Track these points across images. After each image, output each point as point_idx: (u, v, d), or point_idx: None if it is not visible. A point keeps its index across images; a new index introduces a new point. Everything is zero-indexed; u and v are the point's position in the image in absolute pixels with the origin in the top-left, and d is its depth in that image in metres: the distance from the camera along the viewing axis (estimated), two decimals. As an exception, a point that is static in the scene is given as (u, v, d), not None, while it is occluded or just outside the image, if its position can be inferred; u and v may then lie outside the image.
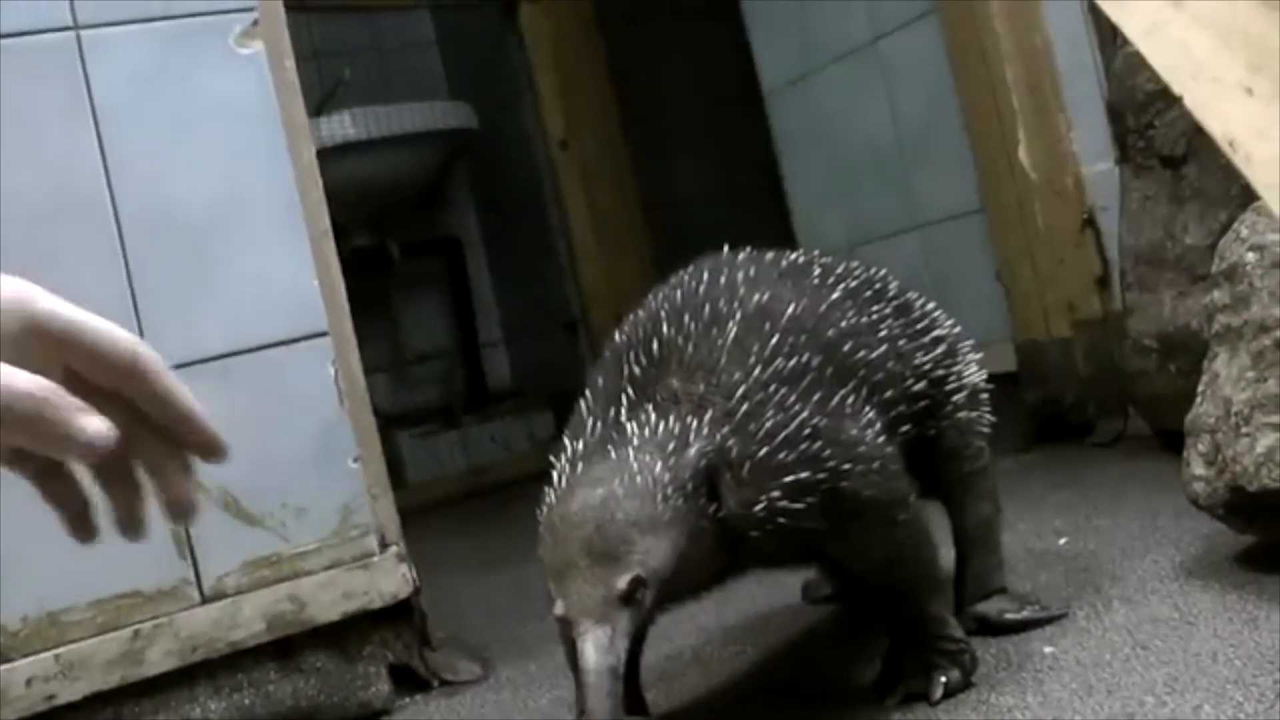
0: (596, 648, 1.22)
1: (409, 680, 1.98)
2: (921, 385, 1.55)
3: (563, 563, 1.27)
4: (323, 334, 1.95)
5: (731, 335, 1.40)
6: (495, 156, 4.55)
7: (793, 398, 1.36)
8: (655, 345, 1.41)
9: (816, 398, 1.37)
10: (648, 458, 1.29)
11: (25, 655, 1.80)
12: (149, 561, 1.85)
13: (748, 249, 1.58)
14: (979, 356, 1.69)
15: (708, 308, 1.44)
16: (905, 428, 1.51)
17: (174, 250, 1.90)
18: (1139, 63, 2.23)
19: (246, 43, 1.96)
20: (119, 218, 1.87)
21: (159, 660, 1.84)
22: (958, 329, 1.67)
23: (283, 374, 1.93)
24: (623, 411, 1.36)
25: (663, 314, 1.45)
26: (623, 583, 1.23)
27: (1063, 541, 1.97)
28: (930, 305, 1.66)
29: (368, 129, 4.02)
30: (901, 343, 1.55)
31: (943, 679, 1.43)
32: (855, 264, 1.64)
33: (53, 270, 1.89)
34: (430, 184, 4.51)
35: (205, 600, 1.87)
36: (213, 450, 0.83)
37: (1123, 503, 2.11)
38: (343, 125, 3.98)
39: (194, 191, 1.92)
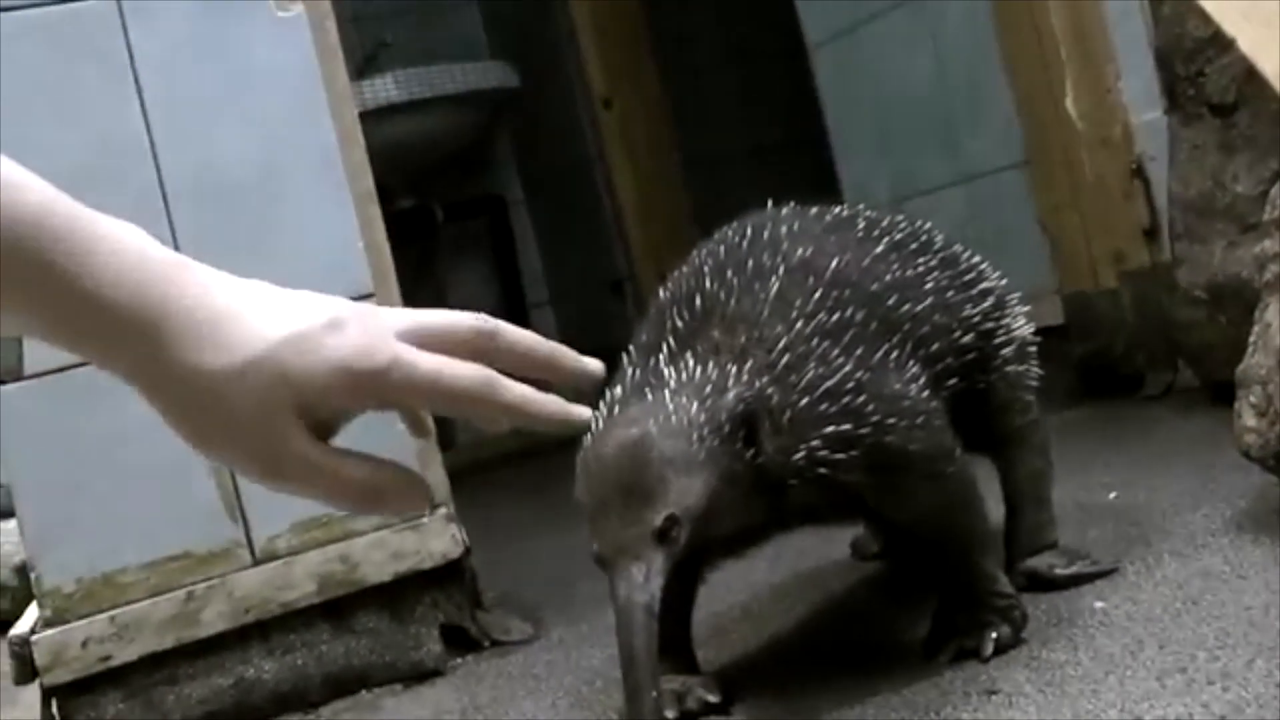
0: (630, 584, 1.21)
1: (461, 640, 1.99)
2: (969, 338, 1.54)
3: (597, 502, 1.26)
4: (369, 296, 1.96)
5: (774, 290, 1.40)
6: (538, 116, 4.55)
7: (835, 351, 1.35)
8: (698, 300, 1.41)
9: (859, 352, 1.36)
10: (684, 399, 1.29)
11: (81, 617, 1.82)
12: (200, 524, 1.87)
13: (791, 204, 1.57)
14: (1026, 310, 1.67)
15: (750, 263, 1.43)
16: (952, 381, 1.50)
17: (218, 216, 1.91)
18: (1188, 8, 2.20)
19: (287, 6, 1.96)
20: (163, 185, 1.88)
21: (212, 621, 1.86)
22: (1004, 282, 1.66)
23: (329, 337, 1.93)
24: (662, 360, 1.36)
25: (706, 269, 1.45)
26: (657, 520, 1.22)
27: (1112, 496, 1.96)
28: (977, 259, 1.64)
29: (410, 91, 4.02)
30: (949, 295, 1.53)
31: (993, 635, 1.42)
32: (900, 218, 1.63)
33: (100, 237, 1.91)
34: (473, 145, 4.51)
35: (257, 562, 1.89)
36: (587, 374, 0.95)
37: (1173, 456, 2.10)
38: (385, 87, 3.98)
39: (237, 157, 1.92)
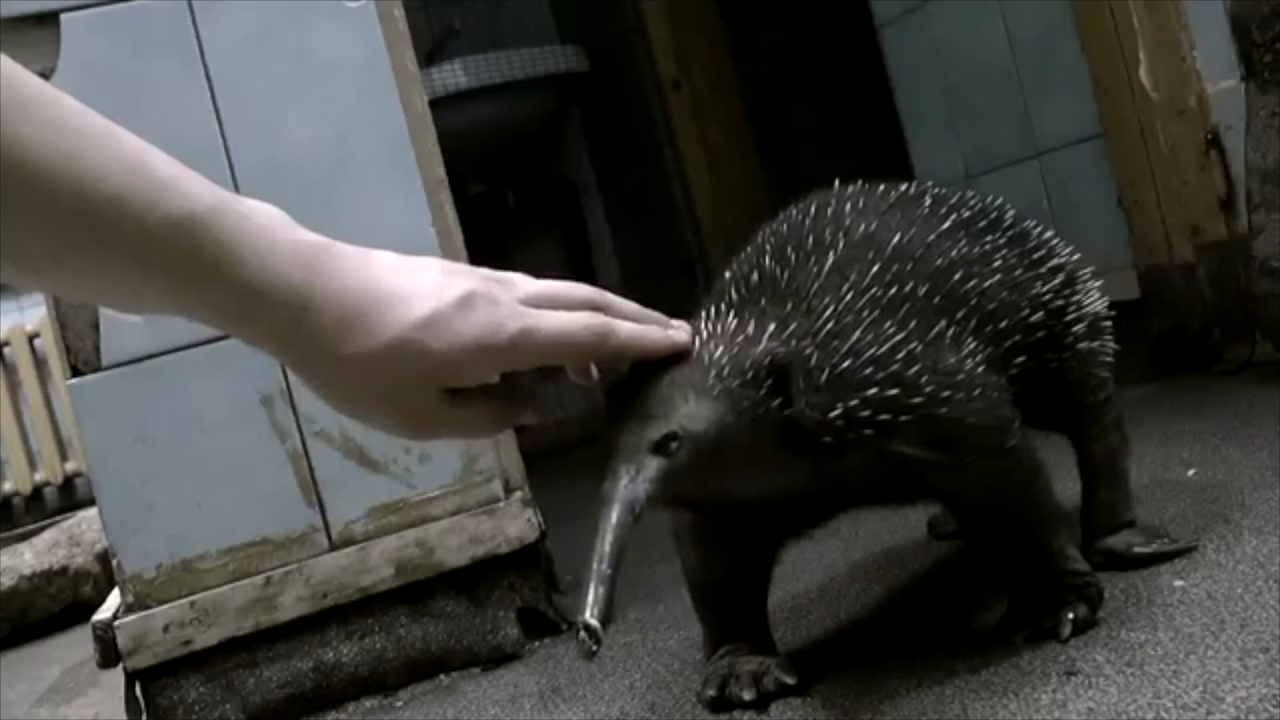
0: (615, 482, 1.19)
1: (538, 624, 2.00)
2: (1038, 316, 1.52)
3: (609, 422, 1.26)
4: (440, 283, 1.97)
5: (830, 263, 1.39)
6: (607, 99, 4.55)
7: (887, 323, 1.34)
8: (754, 275, 1.40)
9: (913, 325, 1.35)
10: (712, 345, 1.29)
11: (162, 602, 1.85)
12: (278, 510, 1.90)
13: (858, 183, 1.56)
14: (1099, 284, 1.65)
15: (811, 238, 1.43)
16: (1020, 359, 1.48)
17: (291, 206, 1.90)
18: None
19: (355, -4, 1.97)
20: (235, 177, 1.89)
21: (291, 605, 1.88)
22: (1077, 257, 1.63)
23: (403, 323, 1.94)
24: (712, 314, 1.35)
25: (767, 247, 1.44)
26: (655, 432, 1.22)
27: (1191, 472, 1.94)
28: (1048, 234, 1.62)
29: (479, 77, 4.03)
30: (1017, 273, 1.51)
31: (1070, 615, 1.41)
32: (970, 194, 1.61)
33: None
34: (543, 129, 4.52)
35: (334, 547, 1.91)
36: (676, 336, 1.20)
37: (1252, 431, 2.07)
38: (454, 74, 3.99)
39: (308, 148, 1.94)
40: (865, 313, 1.34)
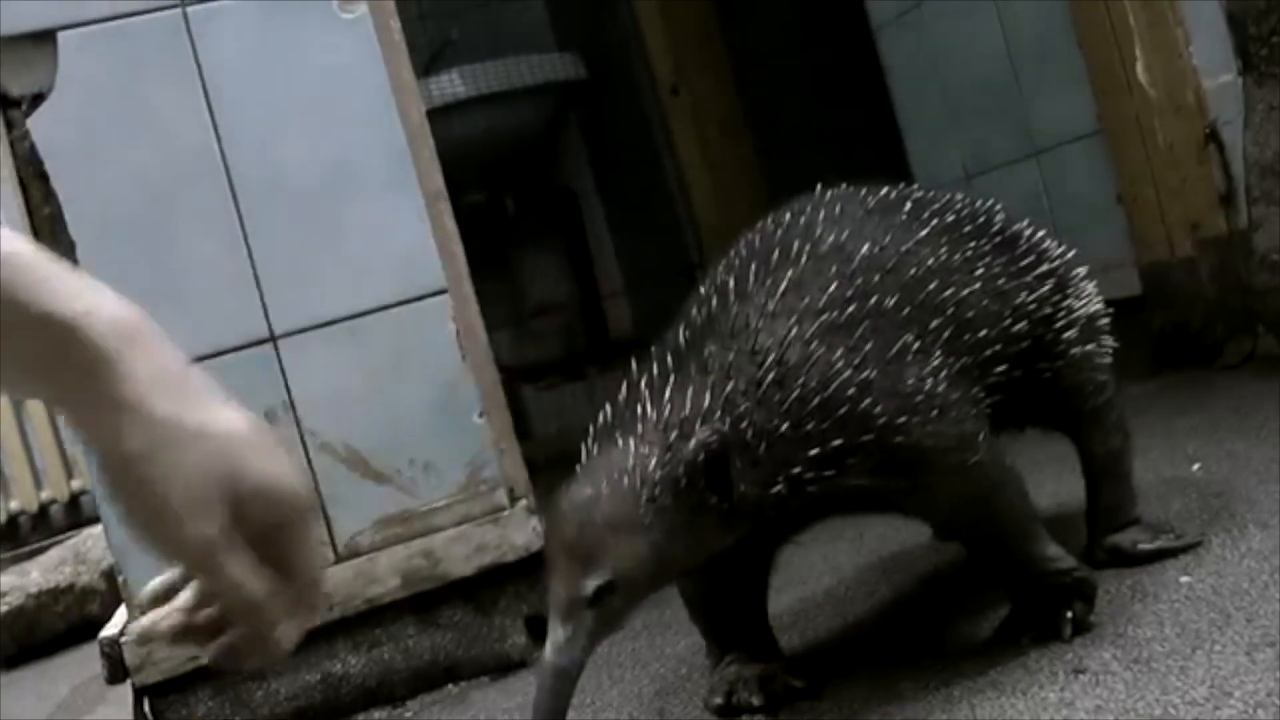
0: (554, 647, 1.26)
1: (545, 632, 1.99)
2: (1021, 326, 1.50)
3: (549, 558, 1.31)
4: (442, 292, 1.97)
5: (787, 280, 1.38)
6: (606, 106, 4.55)
7: (838, 352, 1.33)
8: (714, 300, 1.41)
9: (870, 347, 1.34)
10: (645, 450, 1.29)
11: (169, 619, 1.84)
12: (284, 524, 1.89)
13: (844, 187, 1.55)
14: (1094, 286, 1.64)
15: (777, 252, 1.42)
16: (1001, 367, 1.46)
17: (290, 218, 1.93)
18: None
19: (350, 7, 1.97)
20: (234, 188, 1.90)
21: (298, 619, 1.88)
22: (1071, 256, 1.62)
23: (404, 333, 1.95)
24: (654, 381, 1.35)
25: (736, 261, 1.45)
26: (589, 587, 1.26)
27: (1195, 467, 1.94)
28: (1039, 237, 1.61)
29: (477, 86, 4.04)
30: (1001, 281, 1.50)
31: (1069, 614, 1.41)
32: (959, 198, 1.60)
33: (174, 242, 1.95)
34: (542, 137, 4.52)
35: (340, 559, 1.91)
36: (309, 613, 0.90)
37: (1256, 425, 2.07)
38: (452, 84, 4.00)
39: (307, 159, 1.94)
40: (814, 344, 1.33)
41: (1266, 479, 1.76)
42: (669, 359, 1.37)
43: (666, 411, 1.32)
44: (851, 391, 1.31)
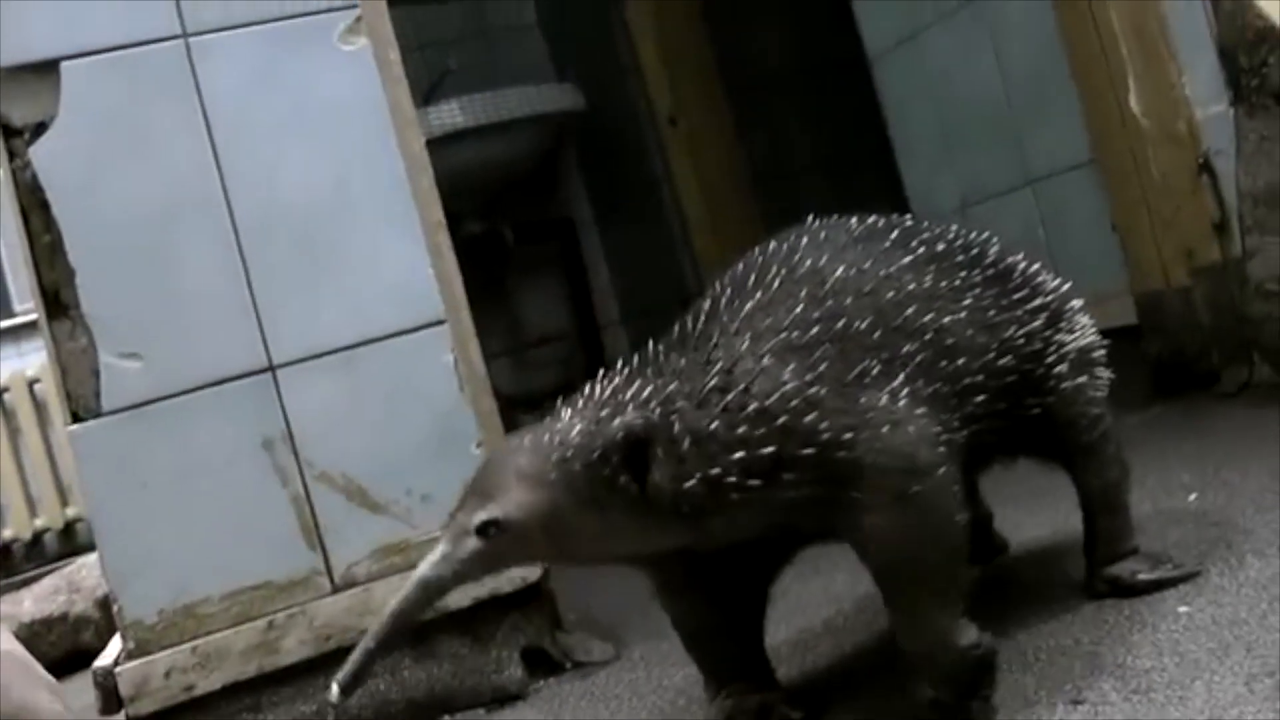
0: (428, 562, 1.29)
1: (542, 663, 2.00)
2: (1007, 360, 1.49)
3: (459, 501, 1.34)
4: (440, 322, 1.98)
5: (755, 301, 1.39)
6: (604, 136, 4.56)
7: (788, 371, 1.32)
8: (689, 320, 1.42)
9: (827, 368, 1.33)
10: (574, 420, 1.32)
11: (163, 648, 1.85)
12: (280, 553, 1.89)
13: (835, 216, 1.55)
14: (1088, 318, 1.63)
15: (753, 277, 1.43)
16: (981, 397, 1.44)
17: (290, 247, 1.93)
18: (1248, 1, 2.18)
19: (351, 39, 1.98)
20: (234, 218, 1.90)
21: (294, 649, 1.88)
22: (1066, 289, 1.62)
23: (403, 363, 1.95)
24: (612, 375, 1.38)
25: (719, 285, 1.45)
26: (479, 517, 1.29)
27: (1192, 497, 1.94)
28: (1034, 270, 1.60)
29: (475, 116, 4.04)
30: (990, 313, 1.49)
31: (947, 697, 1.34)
32: (953, 228, 1.60)
33: (173, 271, 1.96)
34: (540, 167, 4.52)
35: (336, 589, 1.91)
36: None
37: (1252, 454, 2.07)
38: (451, 114, 4.00)
39: (306, 189, 1.95)
40: (766, 359, 1.33)
41: (1263, 508, 1.77)
42: (633, 362, 1.39)
43: (606, 394, 1.34)
44: (795, 403, 1.30)
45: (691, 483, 1.29)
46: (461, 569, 1.29)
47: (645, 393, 1.32)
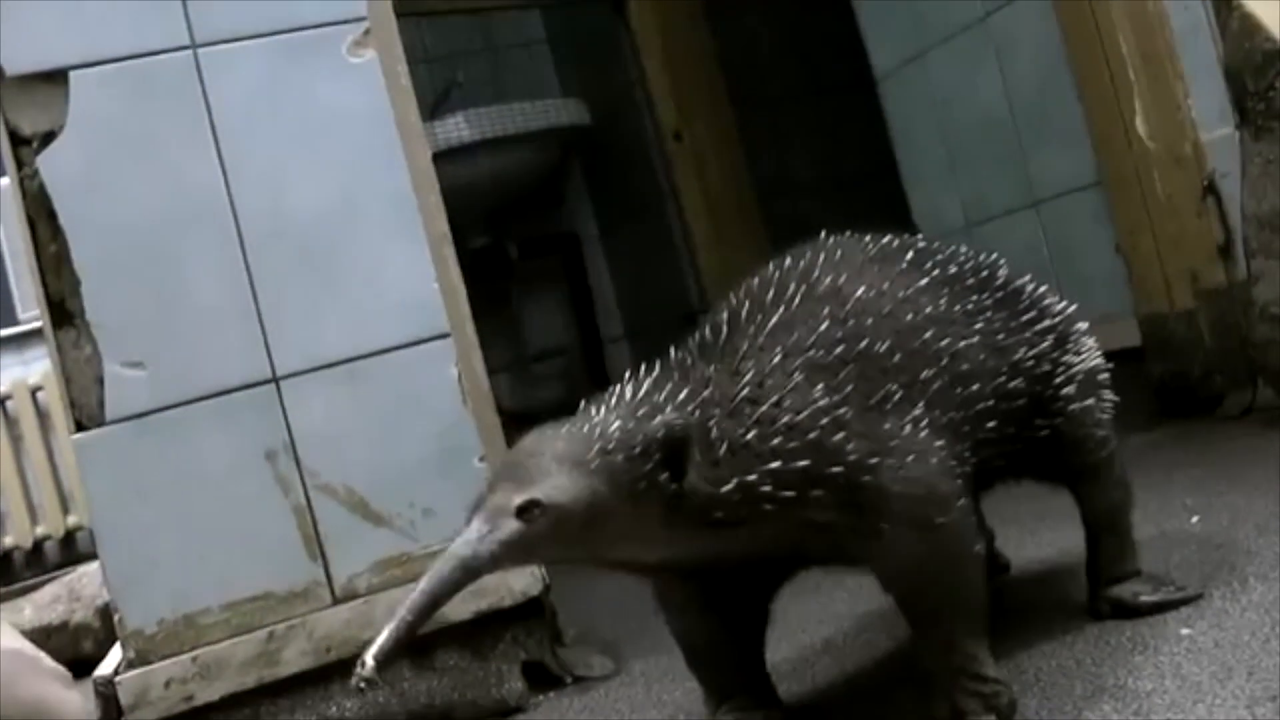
0: (464, 540, 1.22)
1: (542, 677, 1.99)
2: (1018, 383, 1.49)
3: (490, 479, 1.29)
4: (444, 335, 1.98)
5: (776, 320, 1.38)
6: (609, 151, 4.57)
7: (818, 386, 1.32)
8: (706, 332, 1.41)
9: (851, 389, 1.33)
10: (611, 416, 1.29)
11: (163, 658, 1.84)
12: (281, 564, 1.89)
13: (848, 234, 1.55)
14: (1094, 340, 1.63)
15: (773, 292, 1.42)
16: (992, 423, 1.45)
17: (295, 259, 1.93)
18: (1255, 23, 2.19)
19: (359, 51, 1.99)
20: (240, 229, 1.91)
21: (294, 660, 1.88)
22: (1071, 311, 1.62)
23: (406, 376, 1.95)
24: (638, 377, 1.36)
25: (733, 300, 1.45)
26: (520, 498, 1.23)
27: (1195, 519, 1.94)
28: (1041, 292, 1.60)
29: (482, 130, 4.05)
30: (1000, 336, 1.49)
31: None
32: (964, 250, 1.60)
33: (179, 281, 1.96)
34: (546, 182, 4.54)
35: (337, 601, 1.90)
36: None
37: (1255, 477, 2.07)
38: (457, 128, 4.01)
39: (313, 200, 1.95)
40: (796, 376, 1.32)
41: (1266, 531, 1.76)
42: (657, 368, 1.38)
43: (641, 395, 1.32)
44: (825, 421, 1.30)
45: (729, 487, 1.28)
46: (499, 551, 1.23)
47: (680, 395, 1.31)
